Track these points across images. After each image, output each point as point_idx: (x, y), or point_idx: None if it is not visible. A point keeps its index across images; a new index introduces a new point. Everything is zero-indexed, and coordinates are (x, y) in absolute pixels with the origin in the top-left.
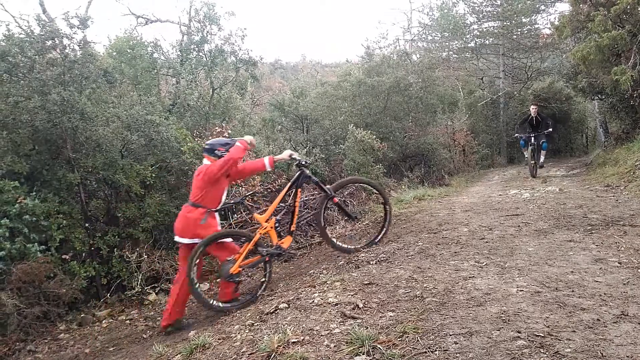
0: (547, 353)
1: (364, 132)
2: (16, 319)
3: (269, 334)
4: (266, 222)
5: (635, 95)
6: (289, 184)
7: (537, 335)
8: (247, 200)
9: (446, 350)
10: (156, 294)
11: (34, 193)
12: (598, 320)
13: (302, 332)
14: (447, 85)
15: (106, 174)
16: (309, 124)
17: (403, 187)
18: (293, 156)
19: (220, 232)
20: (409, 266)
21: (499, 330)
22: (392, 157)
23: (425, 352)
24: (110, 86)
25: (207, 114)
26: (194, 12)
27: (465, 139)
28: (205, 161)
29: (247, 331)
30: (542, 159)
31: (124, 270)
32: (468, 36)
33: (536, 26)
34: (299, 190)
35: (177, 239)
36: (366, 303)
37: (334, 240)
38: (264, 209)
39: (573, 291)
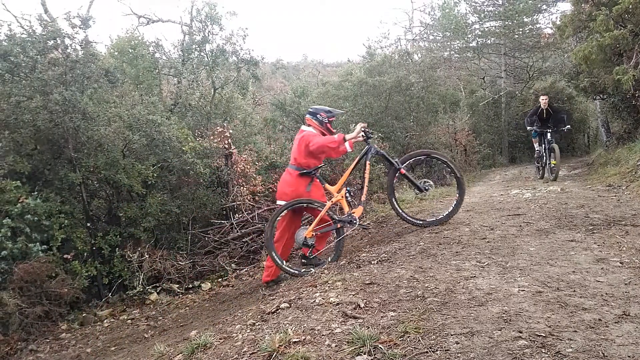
0: (548, 353)
1: None
2: (18, 318)
3: (271, 334)
4: (338, 192)
5: (637, 95)
6: (358, 158)
7: (539, 335)
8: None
9: (447, 350)
10: (157, 293)
11: (36, 193)
12: (599, 320)
13: (303, 331)
14: (449, 85)
15: (108, 173)
16: None
17: (404, 186)
18: (365, 130)
19: (297, 199)
20: (410, 266)
21: (500, 330)
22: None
23: (427, 352)
24: (111, 86)
25: (209, 114)
26: (195, 12)
27: (466, 138)
28: (304, 126)
29: (248, 331)
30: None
31: (125, 269)
32: (469, 36)
33: (538, 26)
34: (368, 162)
35: (279, 203)
36: (367, 303)
37: (404, 212)
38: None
39: (574, 291)
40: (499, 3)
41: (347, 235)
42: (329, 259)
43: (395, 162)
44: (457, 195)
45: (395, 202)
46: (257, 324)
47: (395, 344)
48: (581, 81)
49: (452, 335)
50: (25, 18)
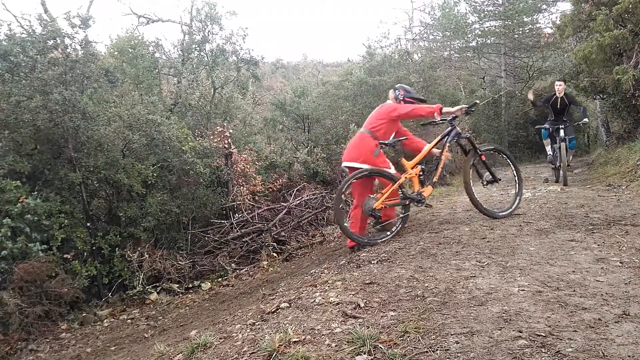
0: (548, 353)
1: None
2: (18, 318)
3: (271, 334)
4: (412, 169)
5: (637, 95)
6: (439, 137)
7: (539, 335)
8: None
9: (447, 349)
10: (157, 293)
11: (36, 192)
12: (599, 319)
13: (303, 331)
14: (449, 85)
15: (108, 173)
16: (311, 124)
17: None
18: (464, 110)
19: (369, 169)
20: (410, 265)
21: (500, 329)
22: (393, 156)
23: (427, 351)
24: (111, 86)
25: (209, 114)
26: (195, 11)
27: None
28: (388, 100)
29: (248, 330)
30: (570, 158)
31: (125, 269)
32: (469, 35)
33: (538, 25)
34: (447, 144)
35: (346, 164)
36: (367, 302)
37: (480, 201)
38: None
39: (574, 291)
40: (499, 3)
41: (409, 214)
42: (390, 232)
43: (478, 147)
44: (518, 189)
45: (473, 190)
46: (257, 323)
47: (395, 343)
48: (581, 81)
49: (452, 334)
50: (25, 18)
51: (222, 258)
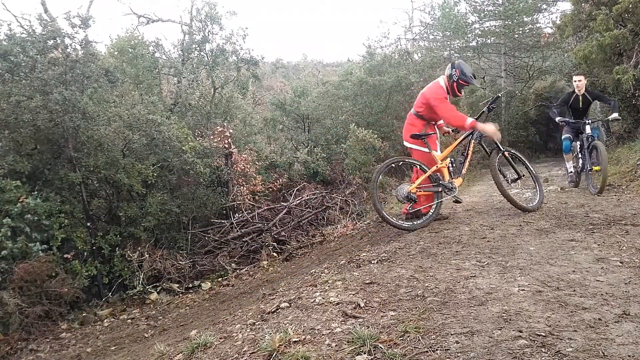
0: (548, 352)
1: (365, 131)
2: (18, 318)
3: (271, 333)
4: (442, 161)
5: (637, 95)
6: (463, 136)
7: (539, 335)
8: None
9: (447, 349)
10: (157, 293)
11: (36, 192)
12: (600, 319)
13: (303, 331)
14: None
15: (108, 173)
16: (311, 123)
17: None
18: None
19: (399, 159)
20: (410, 265)
21: (500, 329)
22: (393, 156)
23: (427, 351)
24: (111, 86)
25: (209, 114)
26: (195, 11)
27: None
28: (441, 77)
29: (248, 330)
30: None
31: (125, 269)
32: (469, 35)
33: (538, 25)
34: (473, 141)
35: (405, 143)
36: (367, 302)
37: (511, 194)
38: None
39: (574, 290)
40: (499, 2)
41: (444, 199)
42: (425, 218)
43: (500, 145)
44: (538, 188)
45: (503, 186)
46: (257, 323)
47: (395, 343)
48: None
49: (452, 334)
50: (25, 18)
51: (222, 258)
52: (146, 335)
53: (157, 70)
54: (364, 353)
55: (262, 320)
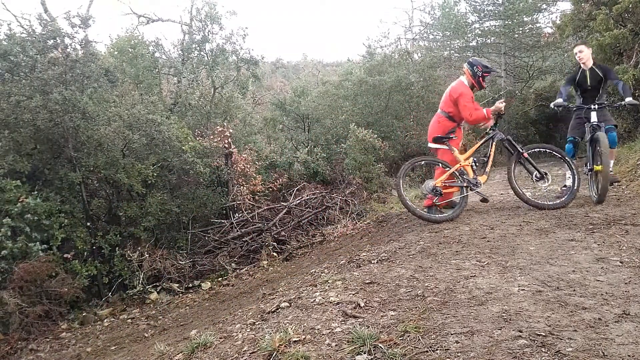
0: (548, 352)
1: (365, 131)
2: (18, 317)
3: (271, 333)
4: (465, 160)
5: (637, 95)
6: (485, 139)
7: (539, 335)
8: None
9: (447, 349)
10: (157, 292)
11: (36, 192)
12: (599, 319)
13: (303, 331)
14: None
15: (108, 173)
16: (311, 123)
17: (404, 186)
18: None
19: (424, 159)
20: (410, 265)
21: (500, 329)
22: (393, 156)
23: (427, 351)
24: (111, 85)
25: (209, 113)
26: (195, 11)
27: (466, 138)
28: (462, 77)
29: (248, 330)
30: (610, 164)
31: (125, 269)
32: (469, 35)
33: (538, 25)
34: (494, 143)
35: (429, 144)
36: (367, 302)
37: (525, 193)
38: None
39: (574, 290)
40: (499, 2)
41: (468, 194)
42: (451, 213)
43: (520, 147)
44: (573, 185)
45: (517, 185)
46: (257, 323)
47: (395, 343)
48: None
49: (452, 334)
50: (25, 17)
51: (222, 258)
52: (146, 335)
53: (157, 70)
54: (364, 353)
55: (262, 320)
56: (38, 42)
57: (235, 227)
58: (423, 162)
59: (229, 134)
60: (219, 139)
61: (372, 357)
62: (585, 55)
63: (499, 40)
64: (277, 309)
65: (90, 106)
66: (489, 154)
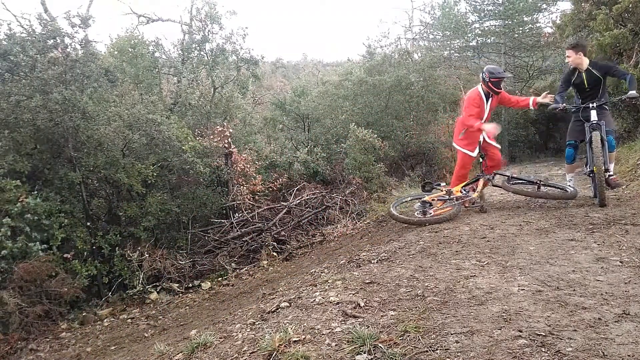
0: (548, 352)
1: (365, 131)
2: (18, 317)
3: (271, 333)
4: (456, 192)
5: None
6: (476, 178)
7: (539, 334)
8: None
9: (447, 349)
10: (157, 292)
11: (36, 192)
12: (599, 319)
13: (303, 331)
14: (449, 84)
15: (108, 172)
16: (310, 123)
17: (404, 186)
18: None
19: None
20: (410, 265)
21: (500, 329)
22: (393, 156)
23: (427, 351)
24: (111, 85)
25: (209, 113)
26: (195, 11)
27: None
28: (479, 86)
29: (248, 330)
30: (611, 167)
31: (125, 269)
32: (469, 35)
33: (538, 25)
34: (482, 180)
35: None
36: (367, 302)
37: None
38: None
39: (574, 290)
40: (499, 2)
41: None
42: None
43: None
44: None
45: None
46: (257, 323)
47: (395, 343)
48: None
49: (452, 334)
50: (25, 17)
51: (222, 257)
52: (146, 335)
53: (157, 69)
54: (364, 353)
55: (262, 320)
56: (38, 41)
57: (235, 227)
58: (409, 199)
59: (229, 134)
60: (219, 138)
61: (372, 357)
62: (573, 60)
63: (499, 40)
64: (277, 308)
65: (90, 106)
66: (477, 189)
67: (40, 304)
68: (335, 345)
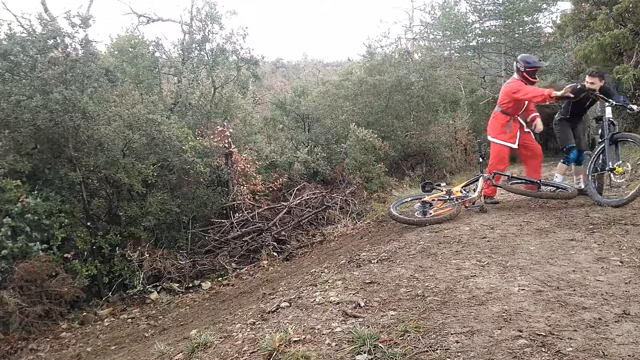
0: (548, 352)
1: (365, 131)
2: (18, 317)
3: (271, 333)
4: (457, 192)
5: (637, 94)
6: (475, 178)
7: (539, 334)
8: None
9: (447, 349)
10: (158, 292)
11: (36, 192)
12: (600, 319)
13: (303, 330)
14: (449, 84)
15: (108, 172)
16: (311, 123)
17: (404, 185)
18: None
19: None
20: (410, 265)
21: (500, 329)
22: (393, 156)
23: (427, 350)
24: (111, 85)
25: (209, 113)
26: (195, 11)
27: (466, 137)
28: (515, 75)
29: (248, 330)
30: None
31: (125, 269)
32: (470, 35)
33: (538, 25)
34: (482, 180)
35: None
36: (367, 302)
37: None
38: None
39: (575, 290)
40: (499, 2)
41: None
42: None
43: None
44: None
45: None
46: (257, 323)
47: (395, 343)
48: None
49: (452, 334)
50: (25, 17)
51: (223, 257)
52: (146, 335)
53: (157, 69)
54: (364, 352)
55: (262, 320)
56: (38, 41)
57: (235, 227)
58: (410, 199)
59: (229, 134)
60: (219, 138)
61: (372, 356)
62: (595, 87)
63: (499, 40)
64: (277, 308)
65: (90, 106)
66: (478, 189)
67: (41, 304)
68: (336, 345)
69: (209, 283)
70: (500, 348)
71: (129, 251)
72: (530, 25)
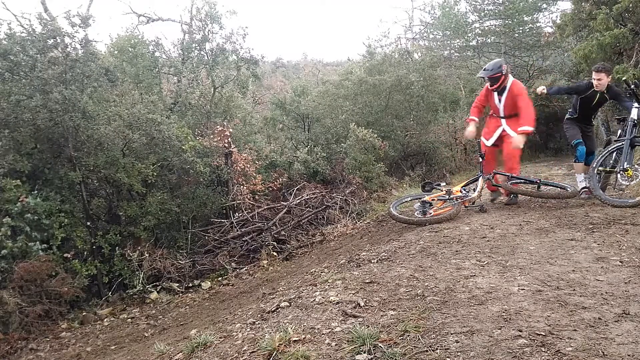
0: (548, 352)
1: (365, 130)
2: (18, 317)
3: (271, 333)
4: (456, 191)
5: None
6: (475, 178)
7: (539, 334)
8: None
9: (447, 348)
10: (157, 292)
11: (36, 192)
12: (599, 319)
13: (303, 330)
14: (449, 84)
15: (108, 172)
16: (311, 123)
17: (404, 185)
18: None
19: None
20: (410, 265)
21: (500, 329)
22: (393, 155)
23: (427, 350)
24: (111, 85)
25: (209, 113)
26: (195, 10)
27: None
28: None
29: (248, 329)
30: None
31: (125, 268)
32: (470, 34)
33: (538, 24)
34: (482, 180)
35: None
36: (367, 302)
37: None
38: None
39: (574, 290)
40: (499, 2)
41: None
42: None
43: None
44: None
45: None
46: (257, 322)
47: (395, 342)
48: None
49: (452, 334)
50: (25, 17)
51: (222, 257)
52: (146, 335)
53: (157, 69)
54: (364, 352)
55: (262, 320)
56: (38, 41)
57: (235, 227)
58: (409, 199)
59: (229, 134)
60: (219, 138)
61: (372, 356)
62: (603, 83)
63: (499, 39)
64: (277, 308)
65: (90, 105)
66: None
67: (40, 304)
68: (335, 344)
69: (209, 283)
70: (500, 348)
71: (128, 251)
72: (530, 25)
